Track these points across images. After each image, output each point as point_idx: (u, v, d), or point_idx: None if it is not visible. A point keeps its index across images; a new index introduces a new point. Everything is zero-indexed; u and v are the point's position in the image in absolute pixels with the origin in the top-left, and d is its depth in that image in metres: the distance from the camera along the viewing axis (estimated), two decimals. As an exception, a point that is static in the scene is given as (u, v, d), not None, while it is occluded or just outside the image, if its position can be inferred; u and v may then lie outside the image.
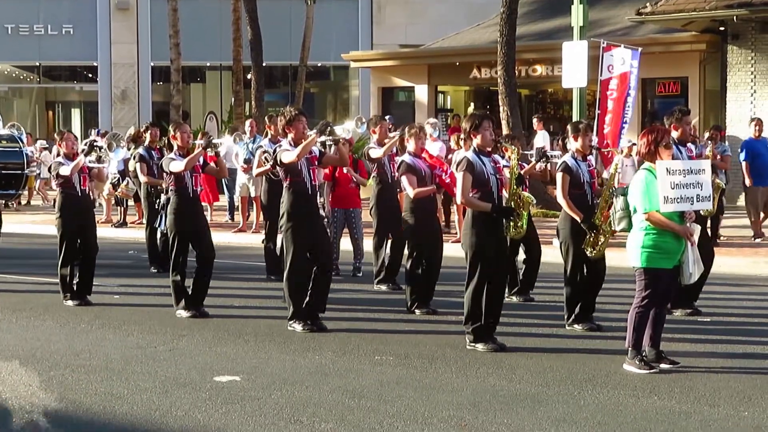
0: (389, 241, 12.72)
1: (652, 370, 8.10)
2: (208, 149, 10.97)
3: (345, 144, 10.26)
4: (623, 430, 6.67)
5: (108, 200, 21.00)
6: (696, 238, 8.22)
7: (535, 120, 24.38)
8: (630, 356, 8.22)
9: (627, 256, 8.32)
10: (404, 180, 11.10)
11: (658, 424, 6.81)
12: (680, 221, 8.10)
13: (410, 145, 11.29)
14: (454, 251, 14.14)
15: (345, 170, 13.34)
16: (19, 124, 25.98)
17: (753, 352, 9.07)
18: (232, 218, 20.81)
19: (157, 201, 13.52)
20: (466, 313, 9.10)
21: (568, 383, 7.88)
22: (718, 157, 15.40)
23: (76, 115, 39.87)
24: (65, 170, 11.66)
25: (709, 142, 15.58)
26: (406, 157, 11.24)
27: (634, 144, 15.00)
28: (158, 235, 14.14)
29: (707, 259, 9.54)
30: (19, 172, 24.13)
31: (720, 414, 7.04)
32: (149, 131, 14.84)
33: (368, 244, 13.72)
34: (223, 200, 21.64)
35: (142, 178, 14.16)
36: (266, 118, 14.99)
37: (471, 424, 6.82)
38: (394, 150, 12.67)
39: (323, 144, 10.03)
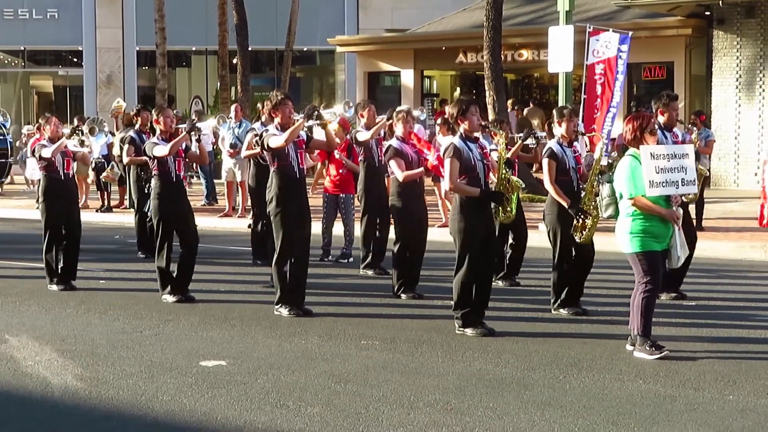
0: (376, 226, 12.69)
1: (664, 352, 8.03)
2: (192, 133, 10.94)
3: (338, 127, 10.19)
4: (608, 414, 6.68)
5: (85, 184, 20.80)
6: (680, 222, 8.23)
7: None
8: (639, 343, 8.14)
9: (614, 242, 8.32)
10: (393, 164, 11.09)
11: (644, 407, 6.83)
12: (666, 205, 8.11)
13: (398, 130, 11.28)
14: (439, 236, 14.17)
15: (337, 156, 13.31)
16: (5, 110, 25.87)
17: (738, 336, 9.11)
18: (209, 202, 20.74)
19: (147, 185, 13.44)
20: (455, 299, 9.09)
21: (554, 367, 7.90)
22: (701, 142, 15.39)
23: (61, 99, 39.66)
24: (47, 152, 11.62)
25: (693, 128, 15.61)
26: (394, 142, 11.23)
27: None
28: (148, 220, 14.00)
29: (690, 244, 9.55)
30: (3, 160, 24.15)
31: (705, 397, 7.06)
32: (141, 115, 14.65)
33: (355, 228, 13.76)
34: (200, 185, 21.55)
35: (125, 159, 14.05)
36: (259, 104, 14.87)
37: (457, 408, 6.83)
38: (382, 134, 12.63)
39: (310, 128, 10.01)
